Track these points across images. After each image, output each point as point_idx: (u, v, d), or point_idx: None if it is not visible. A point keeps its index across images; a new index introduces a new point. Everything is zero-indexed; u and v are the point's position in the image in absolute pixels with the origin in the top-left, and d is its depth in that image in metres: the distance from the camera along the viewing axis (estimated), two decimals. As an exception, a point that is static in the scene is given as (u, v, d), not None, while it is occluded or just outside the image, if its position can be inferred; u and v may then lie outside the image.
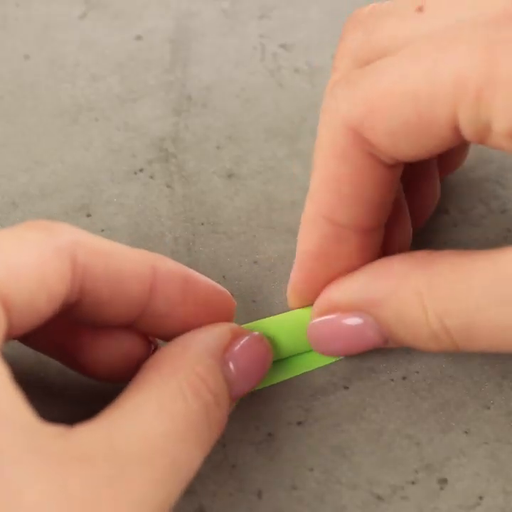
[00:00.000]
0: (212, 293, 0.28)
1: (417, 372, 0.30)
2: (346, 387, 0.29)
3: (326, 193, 0.26)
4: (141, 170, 0.34)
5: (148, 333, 0.28)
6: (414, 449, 0.28)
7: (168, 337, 0.27)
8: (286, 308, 0.31)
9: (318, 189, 0.27)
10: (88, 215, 0.33)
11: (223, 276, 0.32)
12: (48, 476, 0.21)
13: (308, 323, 0.29)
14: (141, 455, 0.22)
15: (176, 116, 0.36)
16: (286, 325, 0.29)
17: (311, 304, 0.29)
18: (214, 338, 0.26)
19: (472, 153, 0.33)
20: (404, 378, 0.30)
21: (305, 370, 0.29)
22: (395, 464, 0.28)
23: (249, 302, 0.31)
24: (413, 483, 0.28)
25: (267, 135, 0.35)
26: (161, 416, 0.23)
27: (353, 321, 0.27)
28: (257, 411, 0.29)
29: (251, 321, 0.30)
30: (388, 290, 0.26)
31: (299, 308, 0.29)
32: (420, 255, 0.26)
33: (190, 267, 0.32)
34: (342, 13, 0.39)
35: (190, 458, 0.24)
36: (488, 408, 0.29)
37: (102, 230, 0.33)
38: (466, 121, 0.24)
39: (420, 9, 0.26)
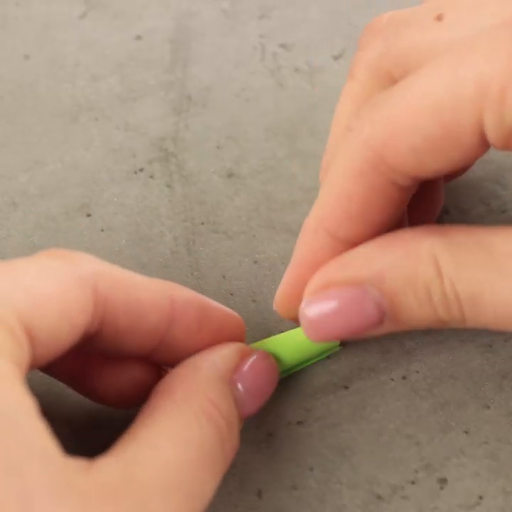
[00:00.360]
0: (226, 319, 0.28)
1: (417, 372, 0.30)
2: (346, 387, 0.29)
3: (335, 209, 0.26)
4: (141, 170, 0.34)
5: (163, 363, 0.27)
6: (414, 449, 0.28)
7: None
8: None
9: (327, 204, 0.27)
10: (88, 215, 0.33)
11: (223, 276, 0.32)
12: (75, 510, 0.21)
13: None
14: (158, 487, 0.22)
15: (175, 116, 0.36)
16: (289, 342, 0.29)
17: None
18: (223, 360, 0.26)
19: (472, 153, 0.33)
20: (404, 378, 0.30)
21: (301, 367, 0.29)
22: (395, 464, 0.28)
23: (249, 302, 0.31)
24: (413, 482, 0.28)
25: (267, 135, 0.35)
26: (177, 445, 0.23)
27: (351, 293, 0.26)
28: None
29: (251, 320, 0.30)
30: (399, 255, 0.26)
31: (286, 311, 0.29)
32: (431, 226, 0.26)
33: (190, 267, 0.32)
34: (342, 13, 0.39)
35: (204, 489, 0.24)
36: (488, 408, 0.29)
37: (102, 230, 0.33)
38: (491, 123, 0.24)
39: (439, 18, 0.26)
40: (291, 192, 0.34)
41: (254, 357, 0.27)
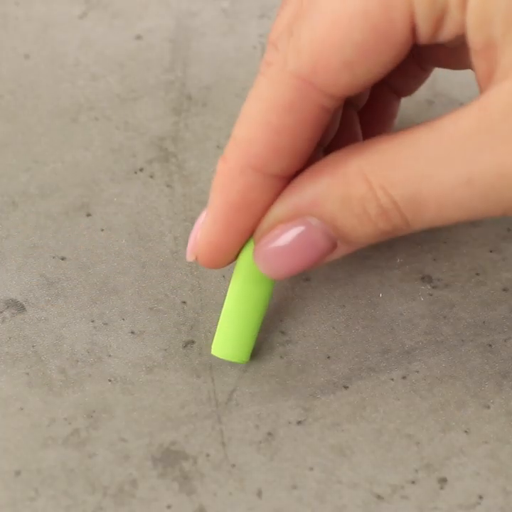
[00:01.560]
0: None
1: (417, 371, 0.30)
2: (346, 387, 0.29)
3: (260, 146, 0.26)
4: (141, 169, 0.34)
5: None
6: (414, 449, 0.28)
7: None
8: (286, 305, 0.31)
9: (251, 141, 0.26)
10: (88, 215, 0.33)
11: (223, 276, 0.32)
12: None
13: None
14: None
15: (175, 115, 0.36)
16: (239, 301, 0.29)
17: (229, 258, 0.28)
18: None
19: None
20: (404, 378, 0.30)
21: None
22: (395, 464, 0.28)
23: (249, 302, 0.31)
24: (413, 482, 0.28)
25: (267, 135, 0.35)
26: None
27: (297, 229, 0.26)
28: (257, 411, 0.29)
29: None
30: (329, 181, 0.26)
31: (213, 260, 0.28)
32: (358, 144, 0.26)
33: (190, 267, 0.32)
34: (342, 13, 0.39)
35: None
36: (488, 408, 0.29)
37: (102, 230, 0.33)
38: (423, 12, 0.24)
39: None
40: (291, 192, 0.34)
41: None
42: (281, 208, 0.27)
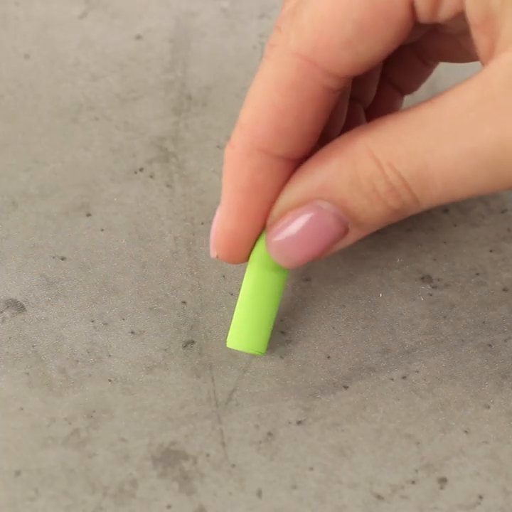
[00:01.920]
0: None
1: (417, 371, 0.30)
2: (346, 387, 0.29)
3: (266, 127, 0.26)
4: (141, 169, 0.34)
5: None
6: (414, 449, 0.28)
7: None
8: (286, 305, 0.31)
9: (257, 122, 0.26)
10: (88, 215, 0.33)
11: (223, 276, 0.32)
12: None
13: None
14: None
15: (175, 115, 0.36)
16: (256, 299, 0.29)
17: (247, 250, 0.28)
18: None
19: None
20: (404, 378, 0.30)
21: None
22: (395, 464, 0.28)
23: (249, 302, 0.31)
24: (413, 482, 0.28)
25: (267, 135, 0.35)
26: None
27: (308, 215, 0.26)
28: (257, 411, 0.29)
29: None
30: (336, 162, 0.26)
31: (232, 251, 0.28)
32: (362, 126, 0.26)
33: (190, 267, 0.32)
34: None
35: None
36: (488, 408, 0.29)
37: (102, 230, 0.33)
38: None
39: None
40: (291, 192, 0.34)
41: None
42: (291, 194, 0.27)
